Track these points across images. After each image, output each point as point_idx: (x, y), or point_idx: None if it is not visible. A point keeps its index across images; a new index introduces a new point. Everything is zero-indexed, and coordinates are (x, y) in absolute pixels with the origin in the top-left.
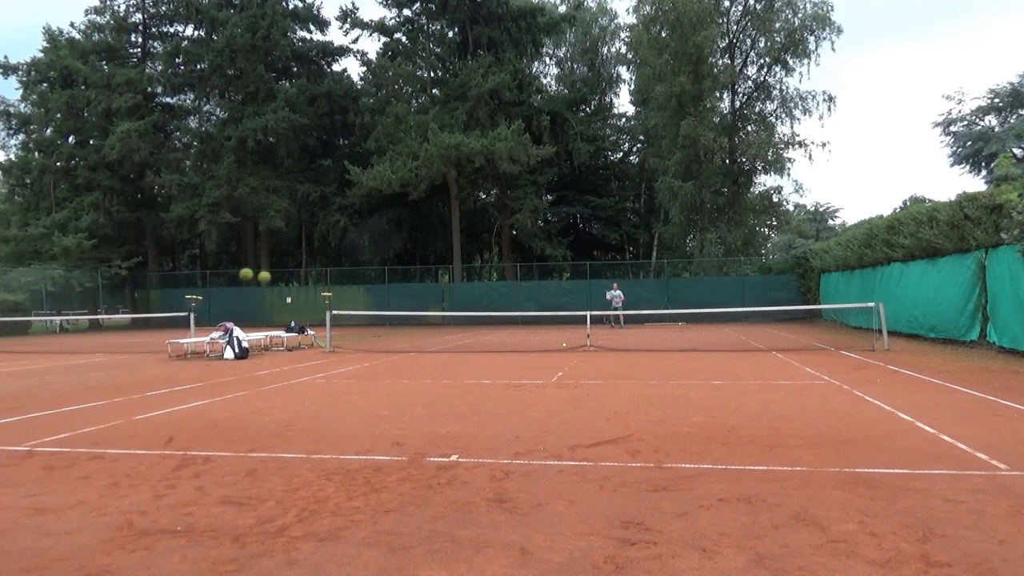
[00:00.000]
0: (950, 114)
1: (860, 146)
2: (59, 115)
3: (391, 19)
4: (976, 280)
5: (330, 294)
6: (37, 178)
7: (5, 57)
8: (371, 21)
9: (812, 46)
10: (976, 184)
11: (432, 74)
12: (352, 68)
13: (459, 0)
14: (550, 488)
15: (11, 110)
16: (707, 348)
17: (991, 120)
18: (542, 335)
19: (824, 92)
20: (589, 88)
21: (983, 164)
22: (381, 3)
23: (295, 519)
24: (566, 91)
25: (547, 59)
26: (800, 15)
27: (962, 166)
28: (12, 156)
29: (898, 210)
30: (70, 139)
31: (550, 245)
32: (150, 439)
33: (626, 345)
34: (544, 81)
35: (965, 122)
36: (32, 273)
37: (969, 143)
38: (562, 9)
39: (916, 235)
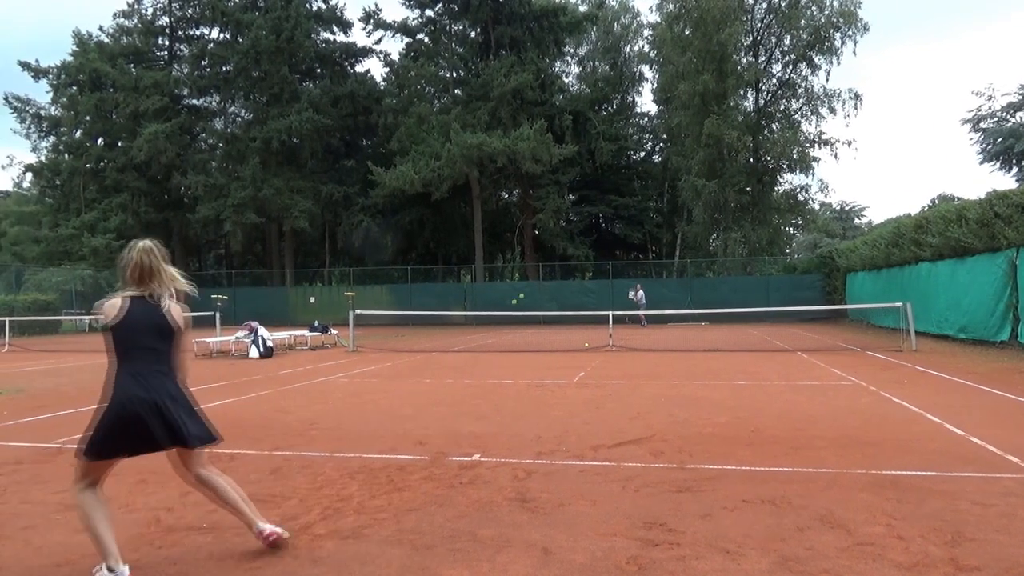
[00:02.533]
0: (980, 110)
1: (887, 143)
2: (88, 117)
3: (414, 20)
4: (1007, 279)
5: (353, 294)
6: (67, 180)
7: (36, 61)
8: (394, 22)
9: (838, 43)
10: (1007, 182)
11: (454, 74)
12: (375, 69)
13: (481, 0)
14: (572, 488)
15: (42, 113)
16: (731, 348)
17: (1022, 116)
18: (564, 335)
19: (850, 90)
20: (611, 87)
21: (1014, 161)
22: (404, 4)
23: (319, 517)
24: (588, 90)
25: (569, 58)
26: (826, 12)
27: (992, 163)
28: (43, 158)
29: (926, 208)
30: (99, 141)
31: (572, 245)
32: None
33: (649, 345)
34: (566, 80)
35: (995, 118)
36: (62, 273)
37: (999, 140)
38: (584, 8)
39: (945, 234)
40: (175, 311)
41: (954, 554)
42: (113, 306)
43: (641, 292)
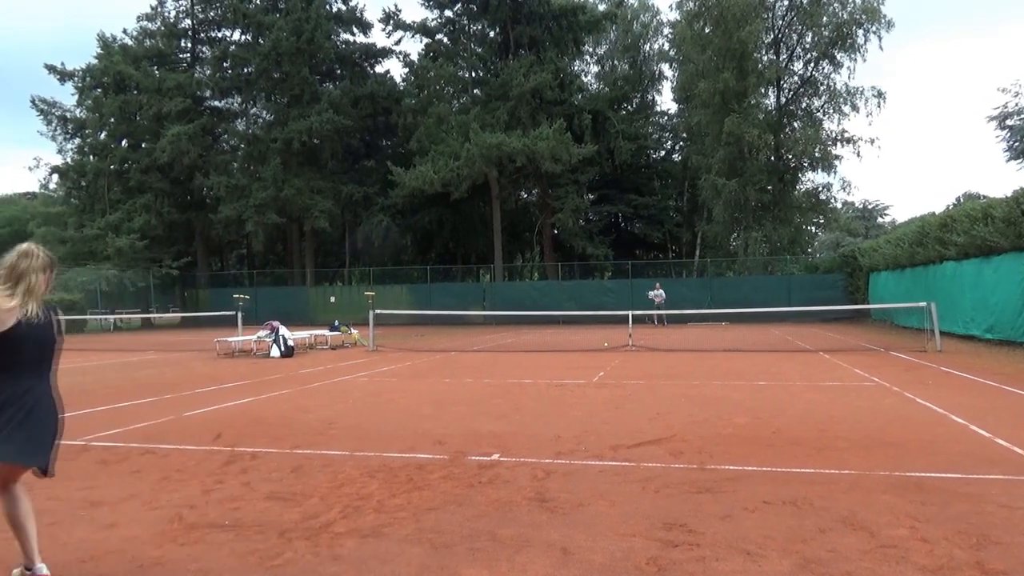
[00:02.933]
0: (1006, 107)
1: (911, 141)
2: (112, 119)
3: (433, 20)
4: None
5: (373, 293)
6: (92, 181)
7: (62, 64)
8: (413, 22)
9: (861, 40)
10: None
11: (474, 74)
12: (395, 69)
13: (500, 0)
14: (591, 488)
15: (67, 115)
16: (751, 348)
17: None
18: (583, 335)
19: (873, 87)
20: (631, 86)
21: None
22: (423, 4)
23: (339, 515)
24: (607, 89)
25: (588, 57)
26: (849, 8)
27: (1019, 161)
28: (68, 160)
29: (951, 207)
30: (123, 143)
31: (591, 244)
32: (199, 435)
33: (669, 345)
34: (585, 79)
35: (1022, 115)
36: (87, 273)
37: None
38: (603, 7)
39: (970, 233)
40: (54, 321)
41: (980, 557)
42: (12, 311)
43: (661, 291)
